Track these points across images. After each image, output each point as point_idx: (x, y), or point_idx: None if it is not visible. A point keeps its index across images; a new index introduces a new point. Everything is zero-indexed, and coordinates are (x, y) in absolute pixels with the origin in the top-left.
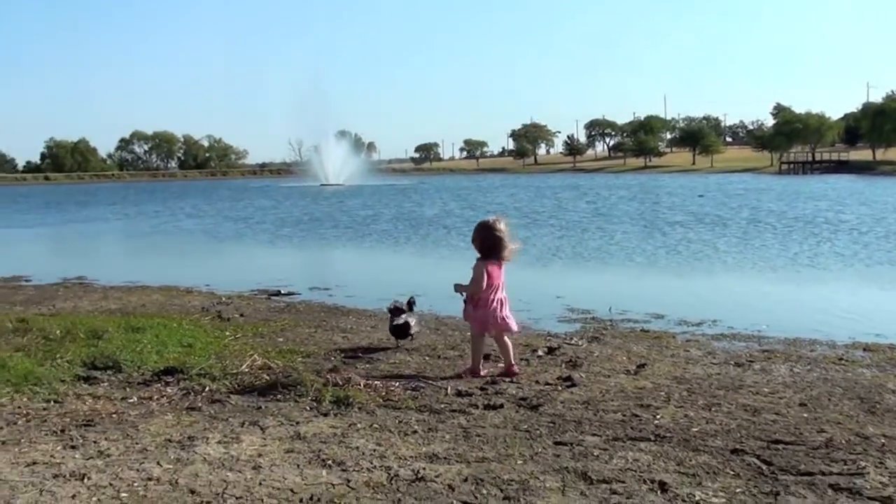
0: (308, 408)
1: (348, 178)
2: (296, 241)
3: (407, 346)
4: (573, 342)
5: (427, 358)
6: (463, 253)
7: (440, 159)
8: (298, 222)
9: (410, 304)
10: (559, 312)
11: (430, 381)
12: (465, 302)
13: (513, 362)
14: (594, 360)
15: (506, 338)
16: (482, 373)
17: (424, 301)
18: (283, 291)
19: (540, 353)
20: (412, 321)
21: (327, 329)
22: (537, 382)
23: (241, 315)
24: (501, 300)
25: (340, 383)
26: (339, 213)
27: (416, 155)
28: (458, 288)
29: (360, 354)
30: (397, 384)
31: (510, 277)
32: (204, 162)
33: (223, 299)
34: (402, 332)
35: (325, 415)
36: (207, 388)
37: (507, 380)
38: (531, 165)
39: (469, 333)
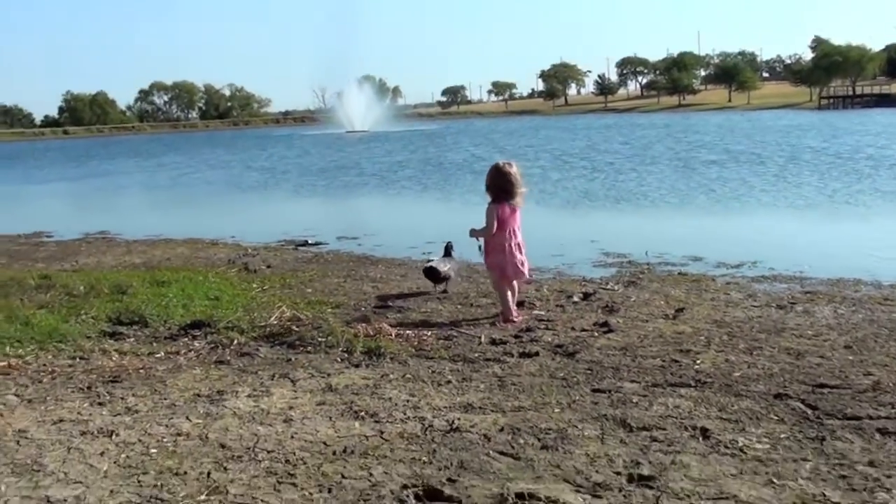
0: (339, 359)
1: (373, 125)
2: (321, 190)
3: (438, 295)
4: (609, 287)
5: (459, 306)
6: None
7: (468, 102)
8: (323, 170)
9: (448, 249)
10: (594, 257)
11: (464, 330)
12: (480, 248)
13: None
14: (631, 306)
15: (515, 284)
16: (515, 319)
17: (455, 249)
18: (310, 241)
19: (575, 298)
20: (444, 267)
21: (356, 279)
22: (573, 329)
23: (268, 266)
24: (518, 245)
25: (371, 334)
26: (365, 161)
27: (443, 99)
28: (473, 233)
29: (391, 304)
30: (429, 333)
31: (542, 221)
32: (226, 112)
33: (249, 251)
34: (432, 275)
35: (357, 366)
36: (236, 342)
37: (543, 326)
38: (561, 107)
39: (490, 280)
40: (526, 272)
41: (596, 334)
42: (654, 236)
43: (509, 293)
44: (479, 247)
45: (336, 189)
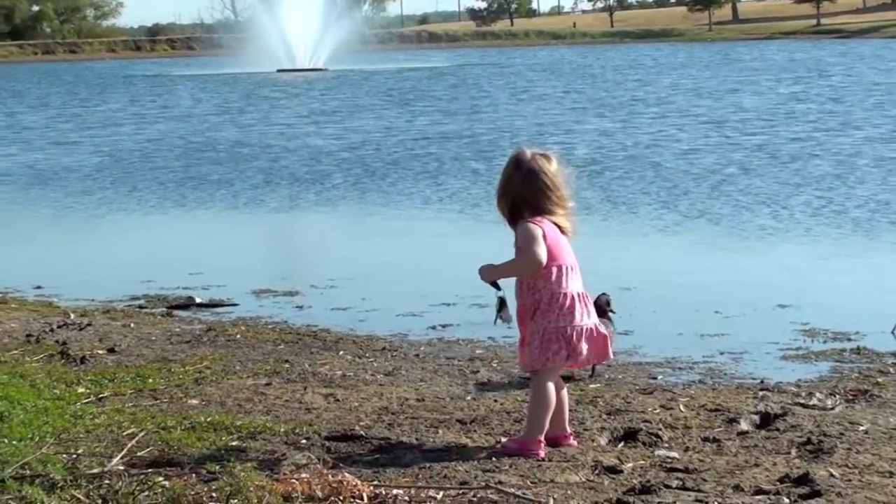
0: None
1: (333, 58)
2: (223, 195)
3: (466, 414)
4: (814, 402)
5: (502, 437)
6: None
7: (532, 13)
8: (229, 154)
9: (602, 307)
10: (783, 337)
11: (512, 488)
12: (499, 305)
13: (568, 428)
14: (858, 442)
15: (562, 393)
16: (542, 452)
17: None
18: (198, 300)
19: (744, 425)
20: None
21: (293, 379)
22: (738, 489)
23: (112, 350)
24: (583, 296)
25: (322, 495)
26: (313, 135)
27: (482, 4)
28: (491, 273)
29: (366, 434)
30: (440, 494)
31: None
32: (25, 29)
33: (71, 317)
34: None
35: None
36: None
37: (675, 482)
38: (725, 24)
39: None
40: (610, 347)
41: (786, 501)
42: None
43: (554, 396)
44: (500, 302)
45: (255, 193)
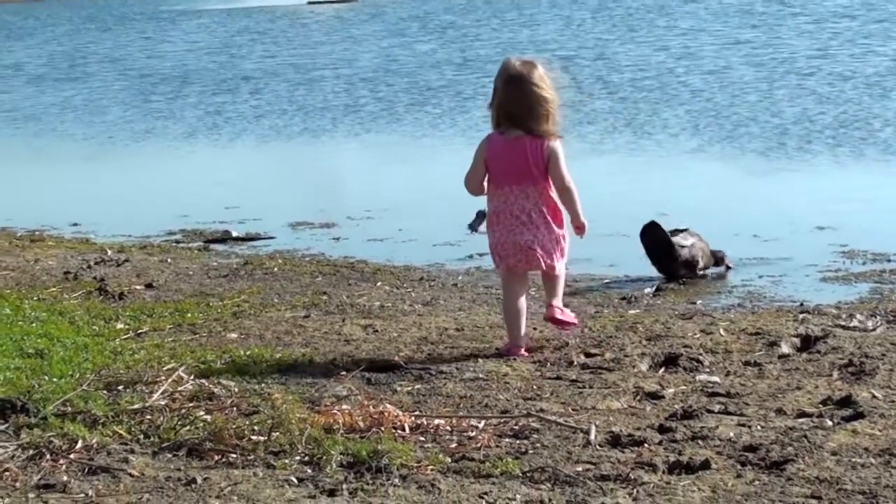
0: (295, 479)
1: None
2: (256, 127)
3: (505, 342)
4: (854, 324)
5: (551, 366)
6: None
7: None
8: (262, 85)
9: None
10: (822, 259)
11: (554, 416)
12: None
13: (555, 303)
14: None
15: (558, 271)
16: (524, 351)
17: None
18: (234, 234)
19: (785, 348)
20: (686, 240)
21: (331, 310)
22: (779, 412)
23: (149, 285)
24: (534, 212)
25: (363, 426)
26: (346, 65)
27: None
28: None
29: (406, 364)
30: (482, 423)
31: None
32: None
33: (108, 253)
34: (657, 244)
35: (332, 494)
36: (80, 444)
37: (717, 406)
38: None
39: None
40: (543, 259)
41: (829, 423)
42: None
43: (522, 300)
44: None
45: (292, 124)
